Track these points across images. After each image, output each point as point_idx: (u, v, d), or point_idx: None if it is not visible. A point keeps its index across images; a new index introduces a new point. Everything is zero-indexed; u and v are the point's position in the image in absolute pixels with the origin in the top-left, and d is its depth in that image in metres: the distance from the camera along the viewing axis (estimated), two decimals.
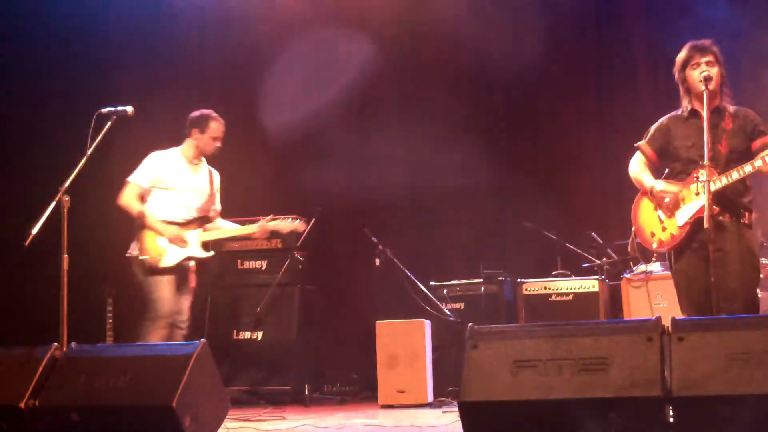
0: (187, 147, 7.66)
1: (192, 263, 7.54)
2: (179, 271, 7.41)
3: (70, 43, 10.09)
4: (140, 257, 7.33)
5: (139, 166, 7.56)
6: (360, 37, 10.05)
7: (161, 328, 7.27)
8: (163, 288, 7.27)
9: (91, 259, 8.99)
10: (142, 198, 7.46)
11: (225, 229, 7.75)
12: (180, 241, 7.34)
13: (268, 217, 7.78)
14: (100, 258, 9.32)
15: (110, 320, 8.20)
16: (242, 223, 9.38)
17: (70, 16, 10.07)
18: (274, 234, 7.92)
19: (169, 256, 7.32)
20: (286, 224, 7.74)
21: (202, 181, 7.68)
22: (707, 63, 5.77)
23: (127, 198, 7.37)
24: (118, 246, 7.75)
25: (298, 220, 7.79)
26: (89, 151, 6.81)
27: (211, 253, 7.60)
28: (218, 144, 7.67)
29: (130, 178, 7.46)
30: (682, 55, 5.88)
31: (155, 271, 7.26)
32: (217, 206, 7.85)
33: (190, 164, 7.62)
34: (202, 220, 7.61)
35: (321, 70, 10.15)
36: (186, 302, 7.49)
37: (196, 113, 7.68)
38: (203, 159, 7.73)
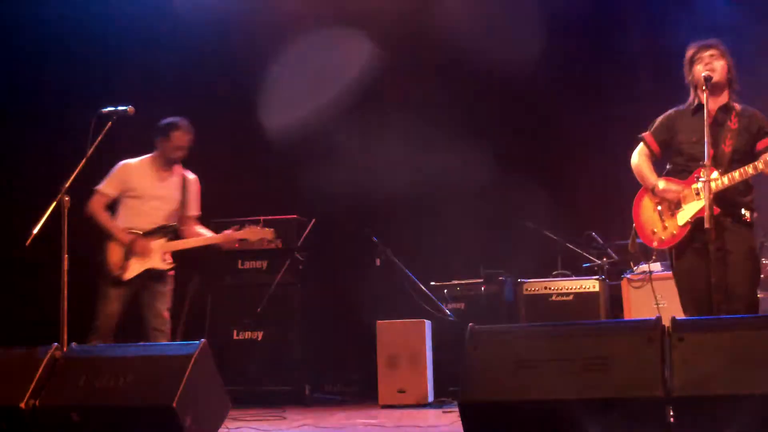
0: (156, 155, 7.53)
1: (168, 269, 7.43)
2: (140, 282, 7.29)
3: (69, 42, 10.08)
4: (105, 268, 7.26)
5: (108, 174, 7.49)
6: (360, 37, 10.04)
7: (98, 338, 7.14)
8: (114, 302, 7.17)
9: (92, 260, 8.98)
10: (111, 207, 7.39)
11: (189, 240, 7.51)
12: (143, 252, 7.22)
13: (235, 227, 7.64)
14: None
15: None
16: (242, 224, 9.41)
17: (71, 17, 10.06)
18: (243, 242, 7.75)
19: (130, 269, 7.22)
20: (255, 231, 7.57)
21: (170, 188, 7.51)
22: (711, 56, 5.77)
23: (95, 207, 7.26)
24: None
25: (267, 228, 7.64)
26: (89, 152, 6.81)
27: (171, 265, 7.38)
28: (180, 153, 7.50)
29: (98, 187, 7.37)
30: (688, 54, 5.88)
31: (114, 283, 7.17)
32: (193, 212, 7.66)
33: (158, 172, 7.47)
34: (169, 229, 7.43)
35: (322, 71, 10.13)
36: (163, 306, 7.35)
37: (163, 121, 7.56)
38: (175, 165, 7.58)
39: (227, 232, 7.57)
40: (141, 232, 7.30)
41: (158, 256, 7.28)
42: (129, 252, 7.22)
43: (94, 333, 7.16)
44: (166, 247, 7.34)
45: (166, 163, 7.50)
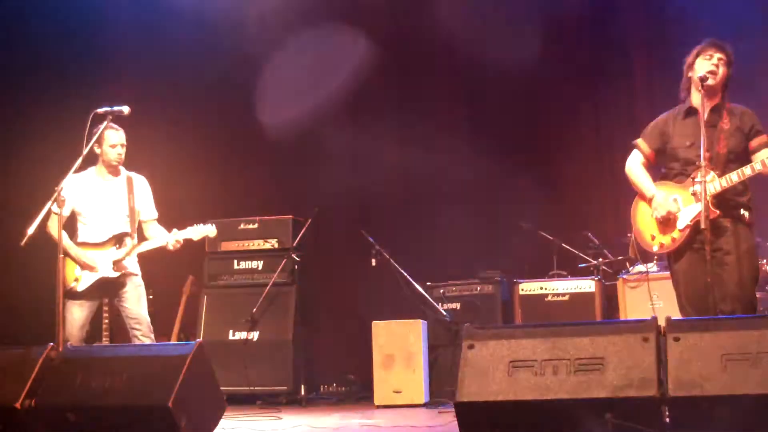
0: (98, 163, 7.38)
1: (129, 277, 7.31)
2: (97, 292, 7.22)
3: (65, 42, 10.07)
4: (68, 287, 7.16)
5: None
6: (355, 36, 10.04)
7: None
8: (73, 313, 7.07)
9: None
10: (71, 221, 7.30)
11: (136, 246, 7.35)
12: (89, 266, 7.13)
13: (174, 230, 7.40)
14: None
15: (106, 321, 8.17)
16: (239, 224, 9.42)
17: (68, 16, 10.05)
18: (189, 241, 7.61)
19: (82, 281, 7.14)
20: (196, 230, 7.39)
21: (116, 194, 7.37)
22: (719, 59, 5.76)
23: (50, 227, 7.06)
24: None
25: (210, 225, 7.46)
26: (85, 151, 6.80)
27: (119, 273, 7.21)
28: (119, 151, 7.29)
29: (52, 207, 6.98)
30: (697, 47, 5.86)
31: (71, 296, 7.08)
32: (149, 214, 7.52)
33: (103, 180, 7.33)
34: (122, 236, 7.30)
35: (316, 70, 10.13)
36: (131, 309, 7.26)
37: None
38: (120, 170, 7.42)
39: (169, 234, 7.36)
40: (96, 242, 7.23)
41: (107, 266, 7.18)
42: (80, 267, 7.17)
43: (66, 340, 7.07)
44: (116, 255, 7.22)
45: (109, 170, 7.33)
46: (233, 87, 10.30)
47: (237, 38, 10.15)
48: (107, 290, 7.27)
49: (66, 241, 7.11)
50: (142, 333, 7.21)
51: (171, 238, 7.30)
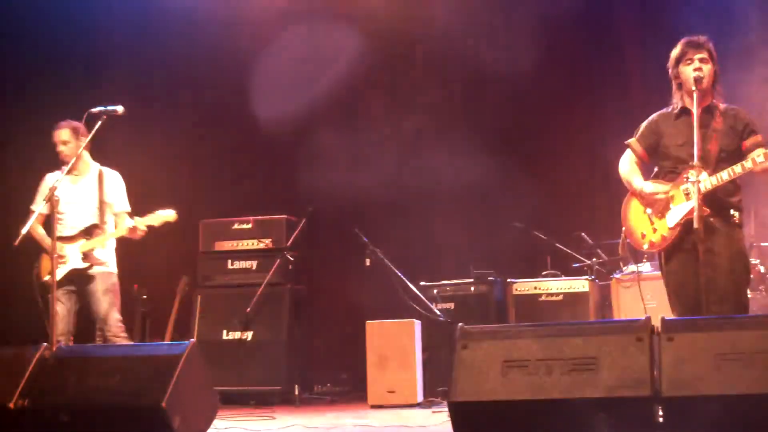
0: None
1: (98, 268, 7.38)
2: (72, 284, 7.29)
3: (59, 41, 10.06)
4: (42, 280, 7.36)
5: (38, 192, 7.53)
6: (349, 36, 10.04)
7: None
8: (55, 306, 6.90)
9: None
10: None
11: (102, 236, 7.42)
12: (58, 258, 7.05)
13: (135, 218, 7.48)
14: None
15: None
16: (233, 224, 9.41)
17: (61, 16, 10.04)
18: (151, 228, 7.62)
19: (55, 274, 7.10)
20: (155, 217, 7.45)
21: (83, 190, 7.48)
22: (701, 60, 5.75)
23: (30, 225, 6.93)
24: None
25: (169, 210, 7.47)
26: (79, 151, 6.80)
27: (88, 264, 7.31)
28: (58, 149, 7.41)
29: (32, 206, 7.41)
30: (676, 51, 5.84)
31: (47, 289, 7.09)
32: (120, 207, 7.57)
33: (70, 176, 7.36)
34: (91, 229, 7.40)
35: (311, 70, 10.14)
36: (96, 306, 7.32)
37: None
38: (91, 166, 7.55)
39: (131, 222, 7.43)
40: (68, 236, 7.31)
41: (77, 257, 7.29)
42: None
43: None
44: (85, 246, 7.35)
45: (74, 166, 7.28)
46: (227, 87, 10.29)
47: (230, 36, 10.15)
48: (78, 283, 7.33)
49: (44, 236, 7.32)
50: (112, 333, 7.26)
51: (130, 230, 7.37)
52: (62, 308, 7.21)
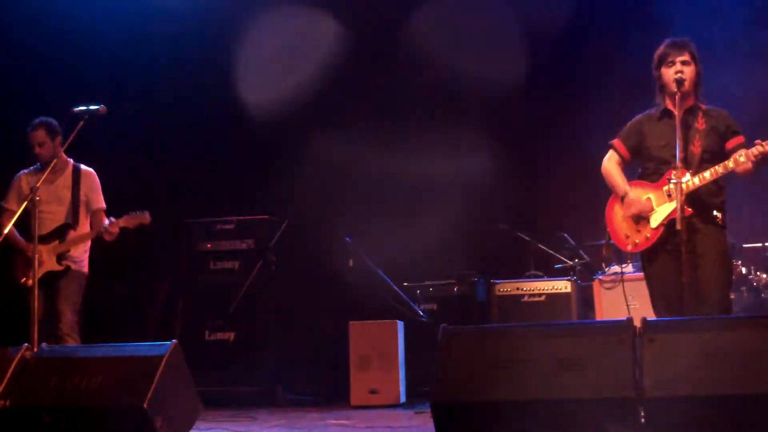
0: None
1: (70, 270, 7.35)
2: (44, 285, 7.15)
3: (38, 38, 10.01)
4: (20, 282, 7.28)
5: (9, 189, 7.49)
6: (332, 37, 10.05)
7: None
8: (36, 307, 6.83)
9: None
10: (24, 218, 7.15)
11: (76, 236, 7.38)
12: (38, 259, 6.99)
13: (111, 219, 7.40)
14: None
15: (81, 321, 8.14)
16: (215, 224, 9.38)
17: (44, 15, 10.00)
18: (126, 229, 7.54)
19: (31, 276, 6.94)
20: (132, 218, 7.39)
21: (59, 189, 7.43)
22: (683, 62, 5.77)
23: (11, 225, 6.99)
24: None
25: (144, 212, 7.41)
26: (60, 151, 6.78)
27: (65, 266, 7.28)
28: (35, 151, 7.36)
29: (2, 203, 7.38)
30: (658, 52, 5.88)
31: (23, 291, 7.13)
32: (96, 205, 7.52)
33: (46, 175, 7.17)
34: (64, 229, 7.36)
35: (294, 69, 10.12)
36: (58, 304, 7.27)
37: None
38: (67, 163, 7.49)
39: (106, 224, 7.36)
40: (42, 235, 7.15)
41: (52, 260, 7.27)
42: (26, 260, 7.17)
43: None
44: (59, 248, 7.31)
45: (49, 165, 7.20)
46: (209, 86, 10.26)
47: (216, 36, 10.13)
48: (50, 283, 7.26)
49: (17, 237, 7.26)
50: (65, 332, 7.18)
51: (106, 230, 7.31)
52: (41, 308, 6.96)
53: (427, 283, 9.15)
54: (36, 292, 6.34)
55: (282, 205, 9.43)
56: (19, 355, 5.55)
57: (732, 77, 7.95)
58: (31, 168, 7.50)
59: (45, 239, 7.25)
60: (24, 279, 7.21)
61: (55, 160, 7.15)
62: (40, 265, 7.08)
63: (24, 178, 7.44)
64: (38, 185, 6.47)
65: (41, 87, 9.80)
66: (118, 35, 10.20)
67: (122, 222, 7.38)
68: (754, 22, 8.72)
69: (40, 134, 7.35)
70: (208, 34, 10.14)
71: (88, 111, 6.79)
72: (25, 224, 7.18)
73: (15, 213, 7.16)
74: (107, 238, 7.35)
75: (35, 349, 5.69)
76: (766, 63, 8.64)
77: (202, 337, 9.08)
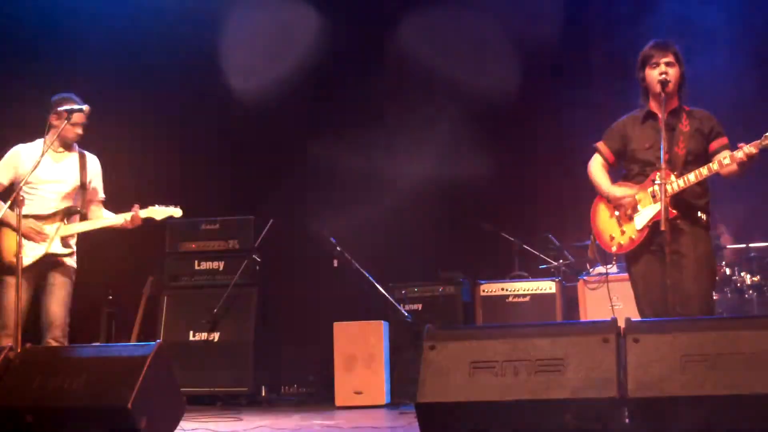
0: (50, 135, 6.95)
1: (67, 258, 6.95)
2: (38, 270, 6.83)
3: (32, 31, 9.98)
4: (6, 260, 6.79)
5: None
6: (318, 35, 10.05)
7: (7, 336, 6.55)
8: (12, 292, 6.36)
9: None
10: (8, 193, 6.78)
11: (88, 222, 7.05)
12: (36, 235, 6.78)
13: (136, 206, 7.12)
14: None
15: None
16: (200, 224, 9.35)
17: (31, 11, 9.97)
18: (147, 221, 7.12)
19: (27, 255, 6.67)
20: (160, 210, 7.13)
21: (67, 170, 7.06)
22: (667, 64, 5.78)
23: (9, 202, 6.59)
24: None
25: (175, 207, 7.20)
26: (45, 150, 6.73)
27: (71, 249, 6.94)
28: (78, 131, 7.02)
29: None
30: (642, 53, 5.88)
31: (10, 271, 6.59)
32: (98, 195, 7.24)
33: (54, 152, 7.02)
34: (71, 211, 7.01)
35: (279, 71, 10.11)
36: (55, 306, 6.87)
37: (56, 97, 7.03)
38: (73, 146, 7.15)
39: (129, 213, 7.06)
40: (41, 215, 6.88)
41: (57, 240, 6.87)
42: (24, 237, 6.58)
43: (1, 329, 6.71)
44: (64, 230, 6.91)
45: (61, 143, 7.03)
46: (194, 85, 10.24)
47: (201, 32, 10.10)
48: (42, 270, 6.87)
49: (5, 209, 6.63)
50: (53, 336, 6.79)
51: (126, 220, 7.01)
52: (25, 297, 6.57)
53: (411, 283, 9.15)
54: (20, 290, 6.03)
55: (266, 205, 9.41)
56: (2, 356, 5.52)
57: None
58: (30, 144, 7.11)
59: (48, 218, 6.89)
60: (14, 257, 6.38)
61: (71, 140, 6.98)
62: (44, 240, 6.84)
63: (22, 154, 7.01)
64: (40, 159, 6.36)
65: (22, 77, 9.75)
66: (102, 32, 10.15)
67: (148, 212, 7.11)
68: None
69: (85, 117, 6.99)
70: (194, 33, 10.11)
71: (72, 110, 6.75)
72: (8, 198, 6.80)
73: (1, 186, 6.92)
74: (128, 226, 7.02)
75: (19, 350, 5.66)
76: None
77: (187, 337, 9.06)
